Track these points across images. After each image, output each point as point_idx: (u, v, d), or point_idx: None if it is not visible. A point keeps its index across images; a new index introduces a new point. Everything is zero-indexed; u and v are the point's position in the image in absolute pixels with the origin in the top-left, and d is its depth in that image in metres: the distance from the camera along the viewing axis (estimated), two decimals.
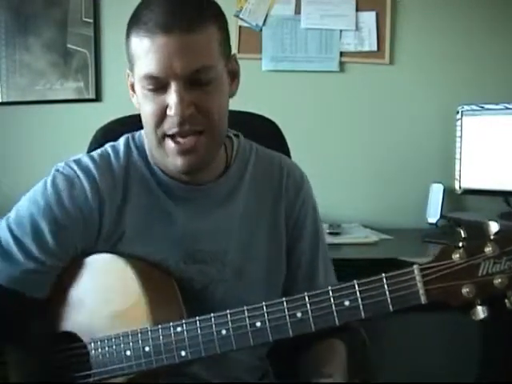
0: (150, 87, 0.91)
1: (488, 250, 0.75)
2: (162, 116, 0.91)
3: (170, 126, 0.91)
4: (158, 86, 0.90)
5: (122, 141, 1.04)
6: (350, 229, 2.13)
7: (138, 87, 0.94)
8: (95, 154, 1.02)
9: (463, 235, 0.77)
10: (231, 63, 0.98)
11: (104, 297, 0.95)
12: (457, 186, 2.19)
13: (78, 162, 0.99)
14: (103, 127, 1.32)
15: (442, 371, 2.15)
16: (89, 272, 0.97)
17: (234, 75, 1.00)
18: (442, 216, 2.14)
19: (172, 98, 0.89)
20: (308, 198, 1.10)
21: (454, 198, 2.23)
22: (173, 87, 0.89)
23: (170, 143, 0.93)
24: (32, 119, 2.28)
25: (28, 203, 0.97)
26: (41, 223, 0.95)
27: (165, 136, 0.93)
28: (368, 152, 2.31)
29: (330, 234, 2.02)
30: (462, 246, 0.76)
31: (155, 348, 0.88)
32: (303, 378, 1.00)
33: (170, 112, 0.90)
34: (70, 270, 0.98)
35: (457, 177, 2.18)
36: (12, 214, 0.97)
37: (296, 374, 1.03)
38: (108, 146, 1.04)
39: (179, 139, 0.92)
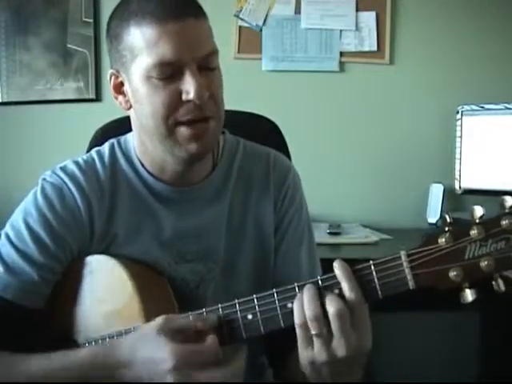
0: (162, 75, 0.89)
1: (473, 233, 0.75)
2: (175, 103, 0.91)
3: (187, 111, 0.91)
4: (170, 73, 0.90)
5: (106, 146, 1.05)
6: (350, 229, 2.13)
7: (139, 80, 0.92)
8: (80, 159, 1.02)
9: (449, 220, 0.77)
10: None
11: (98, 297, 0.95)
12: (457, 186, 2.19)
13: (63, 169, 1.00)
14: (103, 127, 1.32)
15: (442, 371, 2.15)
16: (83, 273, 0.98)
17: None
18: (441, 216, 2.14)
19: (190, 82, 0.89)
20: (295, 191, 1.09)
21: (454, 198, 2.23)
22: (188, 72, 0.89)
23: (183, 130, 0.92)
24: (32, 119, 2.28)
25: (22, 215, 0.97)
26: (39, 231, 0.95)
27: (176, 125, 0.92)
28: (368, 152, 2.31)
29: (330, 233, 2.02)
30: (448, 230, 0.76)
31: None
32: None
33: (189, 96, 0.89)
34: (64, 272, 0.98)
35: (457, 177, 2.18)
36: (8, 230, 0.97)
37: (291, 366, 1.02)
38: (93, 152, 1.04)
39: (193, 124, 0.92)
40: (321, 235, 1.96)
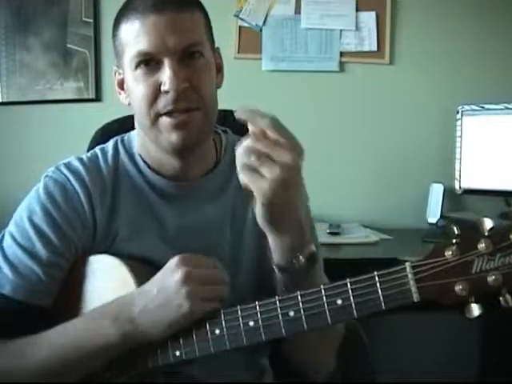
0: (144, 66, 0.92)
1: (481, 246, 0.73)
2: (155, 95, 0.93)
3: (165, 103, 0.92)
4: (150, 64, 0.92)
5: (110, 143, 1.06)
6: (350, 229, 2.13)
7: (128, 73, 0.95)
8: (84, 156, 1.03)
9: (456, 232, 0.75)
10: (216, 56, 1.01)
11: (101, 296, 0.94)
12: (457, 186, 2.19)
13: (67, 166, 1.01)
14: (103, 127, 1.32)
15: (442, 371, 2.15)
16: (86, 273, 0.98)
17: (219, 68, 1.03)
18: (442, 216, 2.14)
19: (166, 73, 0.91)
20: None
21: (454, 198, 2.24)
22: (166, 63, 0.91)
23: (164, 119, 0.93)
24: (32, 119, 2.28)
25: (26, 213, 0.97)
26: (43, 228, 0.95)
27: (158, 115, 0.94)
28: (368, 152, 2.31)
29: (330, 233, 2.02)
30: (455, 242, 0.75)
31: (150, 348, 0.87)
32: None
33: (165, 87, 0.91)
34: (68, 272, 0.98)
35: (457, 177, 2.18)
36: (12, 229, 0.98)
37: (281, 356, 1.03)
38: (97, 149, 1.05)
39: (174, 114, 0.93)
40: (321, 235, 1.94)
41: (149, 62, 0.92)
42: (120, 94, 1.01)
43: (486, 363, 2.12)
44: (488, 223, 0.73)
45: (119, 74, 1.00)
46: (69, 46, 2.25)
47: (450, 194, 2.21)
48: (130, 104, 0.99)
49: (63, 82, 2.27)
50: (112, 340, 0.85)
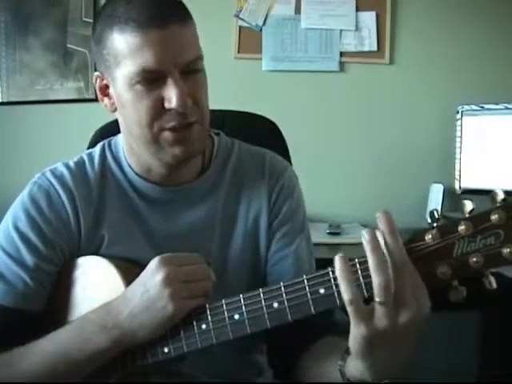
0: (145, 83, 0.89)
1: (462, 228, 0.72)
2: (159, 110, 0.91)
3: (171, 119, 0.91)
4: (153, 80, 0.89)
5: (97, 148, 1.05)
6: (350, 229, 2.13)
7: (123, 87, 0.92)
8: (71, 162, 1.03)
9: (436, 216, 0.74)
10: None
11: (91, 298, 0.95)
12: (457, 186, 2.19)
13: (53, 172, 1.00)
14: (103, 127, 1.32)
15: (442, 370, 2.15)
16: (75, 275, 0.98)
17: None
18: (442, 216, 2.14)
19: (172, 90, 0.89)
20: (290, 189, 1.07)
21: (454, 198, 2.23)
22: (170, 80, 0.89)
23: (167, 134, 0.92)
24: (32, 119, 2.28)
25: (11, 219, 0.98)
26: (29, 235, 0.96)
27: (161, 130, 0.92)
28: (368, 152, 2.31)
29: (330, 233, 2.01)
30: (436, 226, 0.74)
31: (139, 347, 0.88)
32: (302, 375, 1.00)
33: (171, 105, 0.89)
34: (57, 275, 0.98)
35: (457, 177, 2.18)
36: None
37: (295, 373, 1.02)
38: (84, 154, 1.05)
39: (177, 129, 0.92)
40: (320, 235, 1.96)
41: (150, 77, 0.89)
42: (103, 100, 0.99)
43: (485, 363, 2.12)
44: (469, 205, 0.72)
45: (101, 80, 0.97)
46: (69, 45, 2.26)
47: (449, 194, 2.21)
48: (115, 111, 0.98)
49: (63, 82, 2.27)
50: (102, 347, 0.86)
